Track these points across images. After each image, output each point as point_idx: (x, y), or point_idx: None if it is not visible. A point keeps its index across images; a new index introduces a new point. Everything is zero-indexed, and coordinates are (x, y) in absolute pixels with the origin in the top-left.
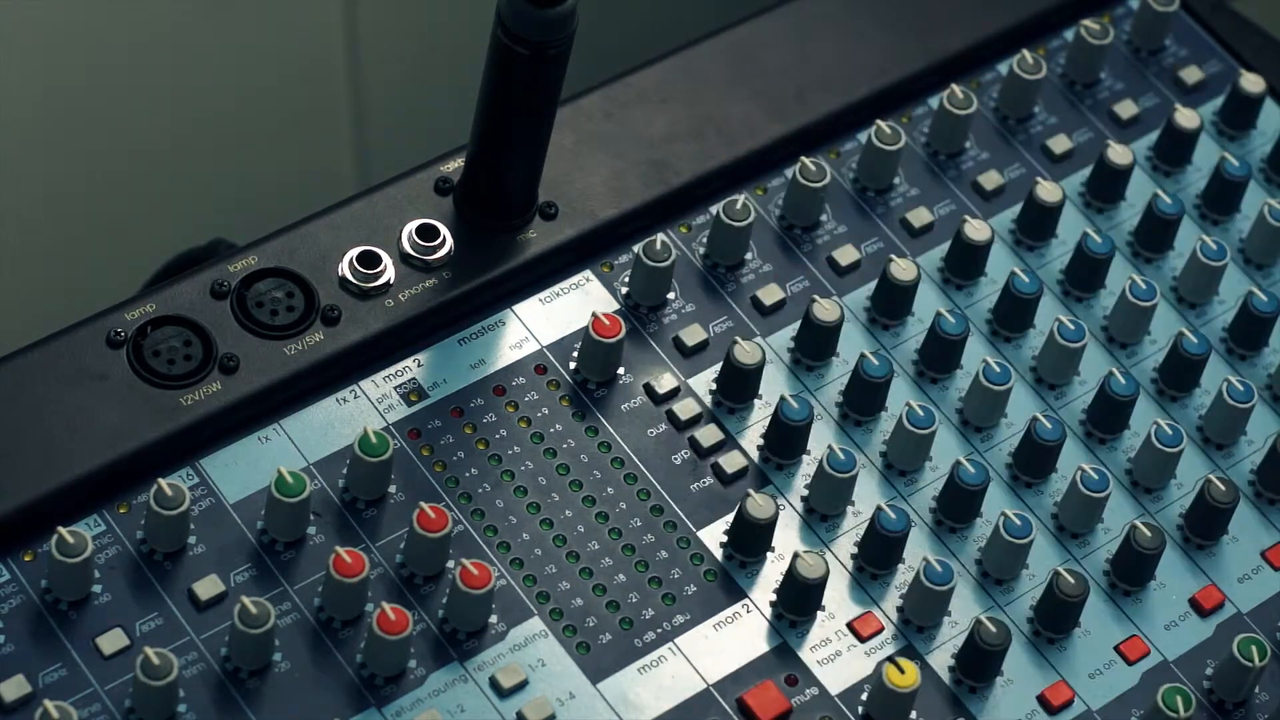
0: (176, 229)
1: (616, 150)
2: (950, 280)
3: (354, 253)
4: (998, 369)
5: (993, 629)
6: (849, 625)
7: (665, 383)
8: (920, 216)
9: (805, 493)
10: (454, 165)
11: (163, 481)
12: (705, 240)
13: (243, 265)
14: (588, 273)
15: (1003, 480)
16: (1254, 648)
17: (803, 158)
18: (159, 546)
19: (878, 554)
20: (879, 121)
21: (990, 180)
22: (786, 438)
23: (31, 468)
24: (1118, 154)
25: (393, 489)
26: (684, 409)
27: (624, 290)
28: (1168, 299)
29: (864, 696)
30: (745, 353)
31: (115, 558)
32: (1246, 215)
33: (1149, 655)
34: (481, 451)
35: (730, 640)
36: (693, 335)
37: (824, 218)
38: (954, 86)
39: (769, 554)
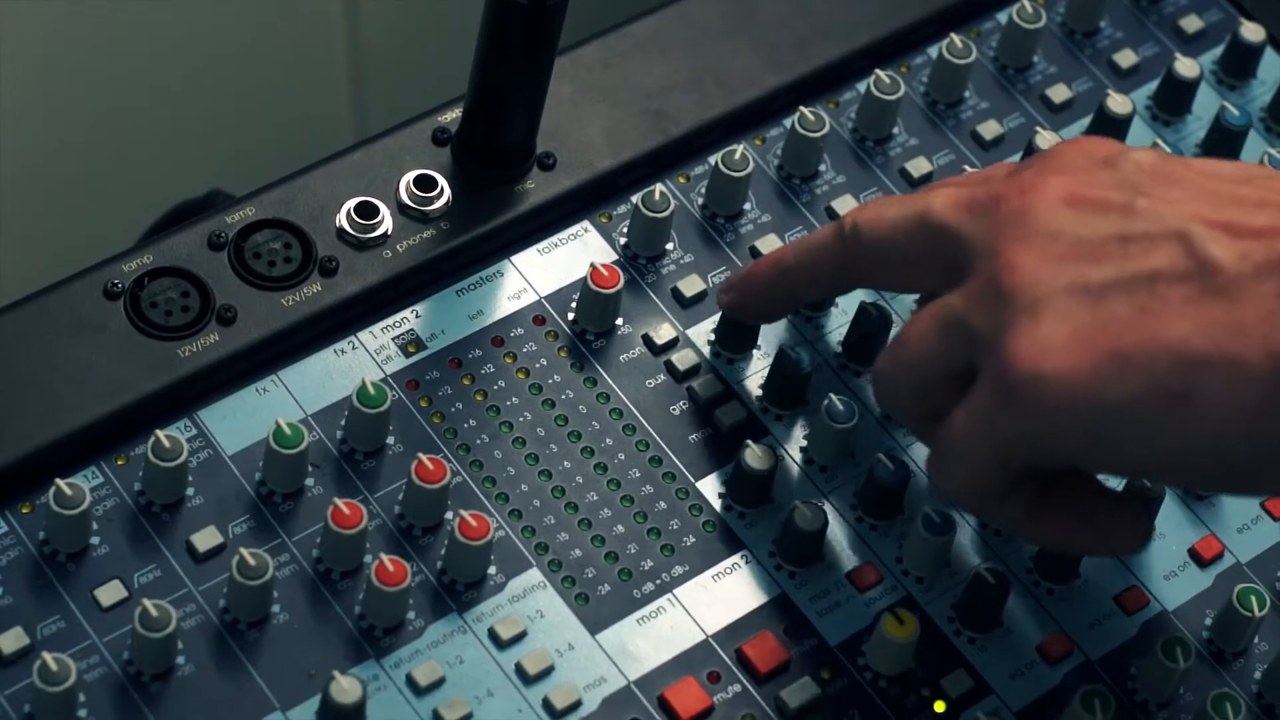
0: (174, 180)
1: (615, 101)
2: None
3: (351, 204)
4: None
5: (992, 580)
6: (848, 576)
7: (664, 333)
8: (919, 166)
9: (804, 443)
10: (452, 116)
11: (160, 433)
12: (704, 190)
13: (240, 216)
14: (586, 223)
15: None
16: (1253, 597)
17: (801, 108)
18: (157, 498)
19: (877, 505)
20: (878, 71)
21: (990, 130)
22: (785, 388)
23: (29, 419)
24: (1117, 103)
25: (391, 440)
26: (682, 359)
27: (622, 241)
28: None
29: (863, 647)
30: None
31: (113, 509)
32: None
33: (1148, 605)
34: (480, 403)
35: (729, 591)
36: (691, 286)
37: (823, 168)
38: (953, 36)
39: (768, 505)
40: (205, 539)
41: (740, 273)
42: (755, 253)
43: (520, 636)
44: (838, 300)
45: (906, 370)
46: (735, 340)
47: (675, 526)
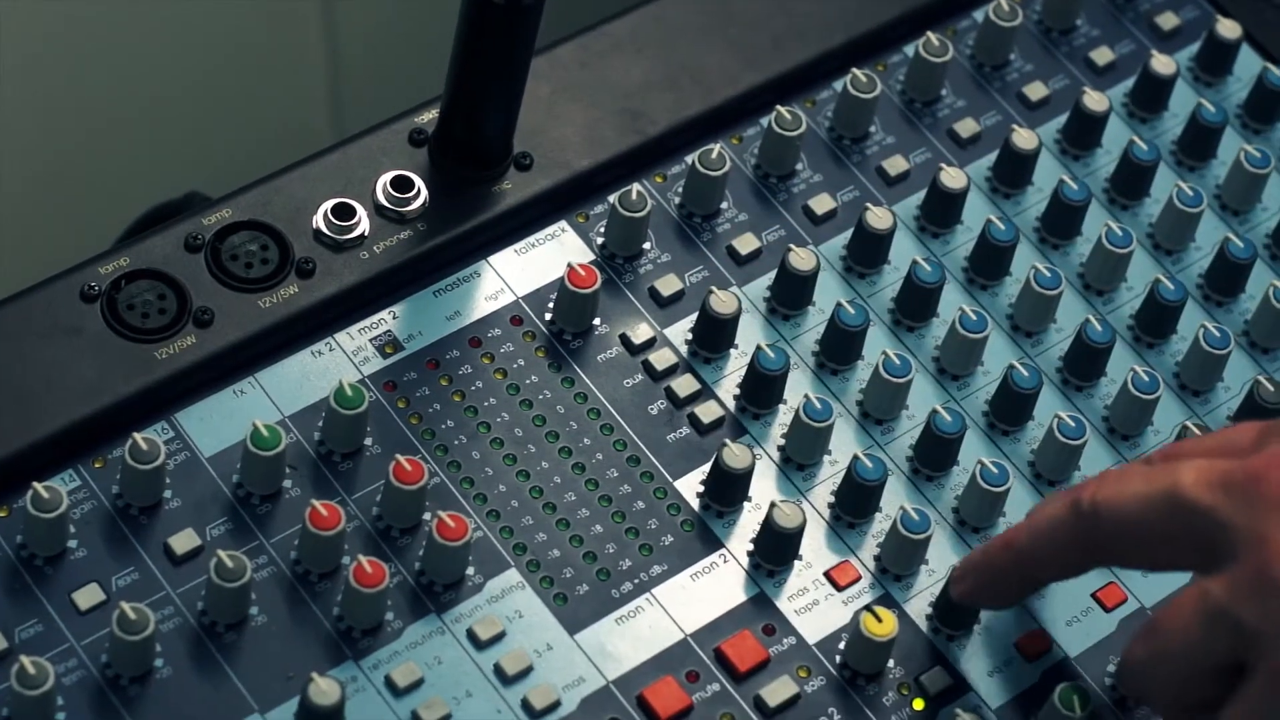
0: (151, 182)
1: (592, 100)
2: (926, 228)
3: (328, 205)
4: (974, 317)
5: None
6: (826, 574)
7: (641, 333)
8: (896, 164)
9: (782, 442)
10: (428, 116)
11: (138, 436)
12: (681, 190)
13: (217, 218)
14: (563, 223)
15: (979, 428)
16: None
17: (778, 106)
18: (134, 501)
19: (855, 503)
20: (855, 69)
21: (966, 128)
22: (763, 387)
23: (5, 423)
24: (1094, 101)
25: (368, 441)
26: (660, 359)
27: (600, 241)
28: (1144, 246)
29: (841, 645)
30: (721, 302)
31: (91, 512)
32: (1223, 161)
33: (1127, 602)
34: (457, 403)
35: (708, 590)
36: (668, 285)
37: (800, 167)
38: (930, 34)
39: (746, 504)
40: (183, 541)
41: (971, 560)
42: (732, 252)
43: (499, 637)
44: (814, 298)
45: (1166, 662)
46: (713, 339)
47: (653, 526)
